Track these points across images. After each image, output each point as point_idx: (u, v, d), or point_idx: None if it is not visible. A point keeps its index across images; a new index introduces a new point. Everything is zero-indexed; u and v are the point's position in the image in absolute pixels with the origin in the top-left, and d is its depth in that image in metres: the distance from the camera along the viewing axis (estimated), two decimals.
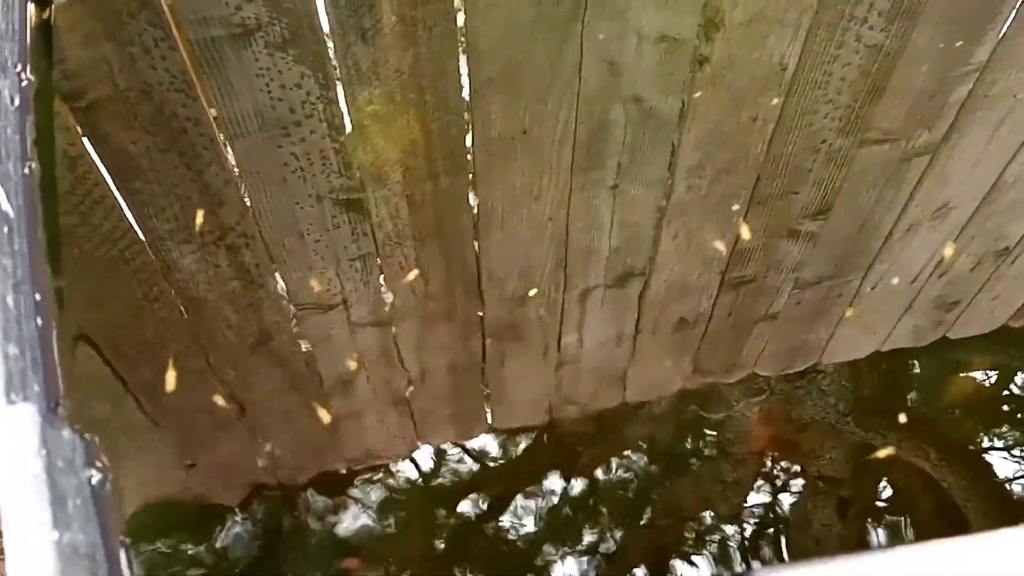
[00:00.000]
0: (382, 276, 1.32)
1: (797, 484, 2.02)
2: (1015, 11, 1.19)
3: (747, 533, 1.84)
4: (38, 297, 0.43)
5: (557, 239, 1.34)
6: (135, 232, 1.14)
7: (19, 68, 0.56)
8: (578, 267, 1.40)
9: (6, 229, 0.45)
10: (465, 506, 1.93)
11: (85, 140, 1.03)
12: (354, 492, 1.89)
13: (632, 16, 1.08)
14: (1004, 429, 2.04)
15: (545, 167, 1.23)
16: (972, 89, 1.26)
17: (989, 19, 1.19)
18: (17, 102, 0.53)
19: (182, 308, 1.25)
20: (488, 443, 1.95)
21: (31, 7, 0.70)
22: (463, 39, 1.06)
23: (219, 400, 1.43)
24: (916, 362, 2.03)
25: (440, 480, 1.93)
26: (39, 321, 0.43)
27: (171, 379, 1.34)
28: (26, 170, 0.49)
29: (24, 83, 0.57)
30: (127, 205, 1.11)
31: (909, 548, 0.49)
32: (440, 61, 1.07)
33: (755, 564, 0.53)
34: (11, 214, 0.45)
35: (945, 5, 1.14)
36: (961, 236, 1.49)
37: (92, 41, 0.94)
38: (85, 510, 0.37)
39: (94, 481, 0.39)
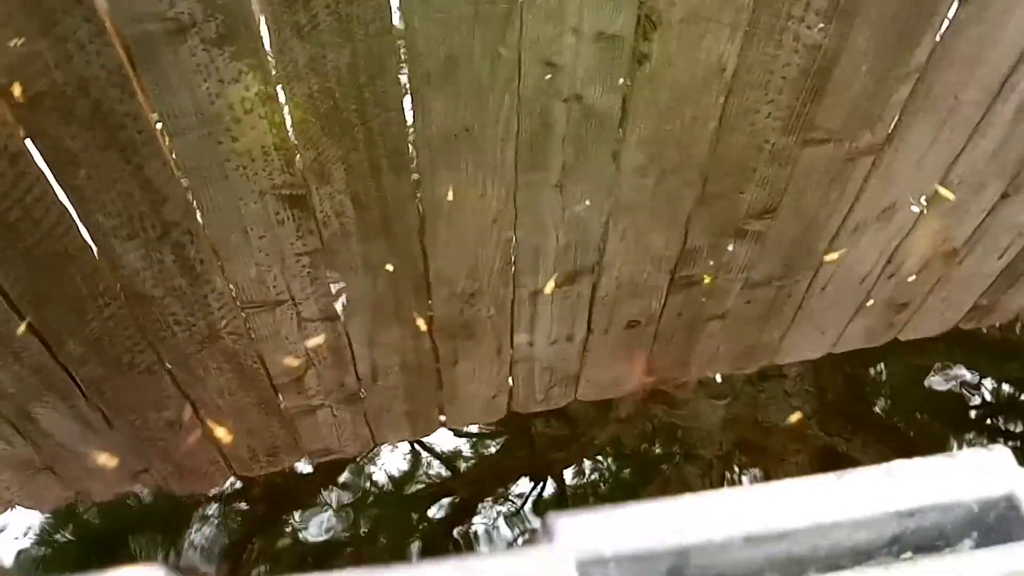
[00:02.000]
0: (329, 273, 1.33)
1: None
2: (952, 11, 1.21)
3: None
4: None
5: (504, 238, 1.36)
6: (77, 228, 1.15)
7: None
8: (527, 266, 1.42)
9: None
10: (435, 510, 1.95)
11: (24, 135, 1.05)
12: (321, 496, 1.90)
13: (569, 14, 1.10)
14: (971, 435, 2.07)
15: (489, 166, 1.25)
16: (913, 89, 1.29)
17: (927, 19, 1.22)
18: None
19: (128, 305, 1.26)
20: (458, 445, 1.97)
21: None
22: (401, 37, 1.09)
23: (170, 398, 1.44)
24: (880, 365, 2.06)
25: (410, 484, 1.95)
26: None
27: (120, 377, 1.35)
28: None
29: None
30: (69, 201, 1.13)
31: (701, 494, 0.52)
32: (378, 58, 1.09)
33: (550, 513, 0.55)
34: None
35: (882, 5, 1.17)
36: (908, 237, 1.51)
37: (27, 36, 0.96)
38: None
39: None
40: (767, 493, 0.54)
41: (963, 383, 2.09)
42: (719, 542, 0.54)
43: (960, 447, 2.10)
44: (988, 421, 2.12)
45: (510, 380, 1.67)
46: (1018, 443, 2.17)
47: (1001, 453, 0.59)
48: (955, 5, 1.21)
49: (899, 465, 0.58)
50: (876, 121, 1.32)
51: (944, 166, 1.40)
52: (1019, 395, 2.13)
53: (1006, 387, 2.12)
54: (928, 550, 0.57)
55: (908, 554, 0.58)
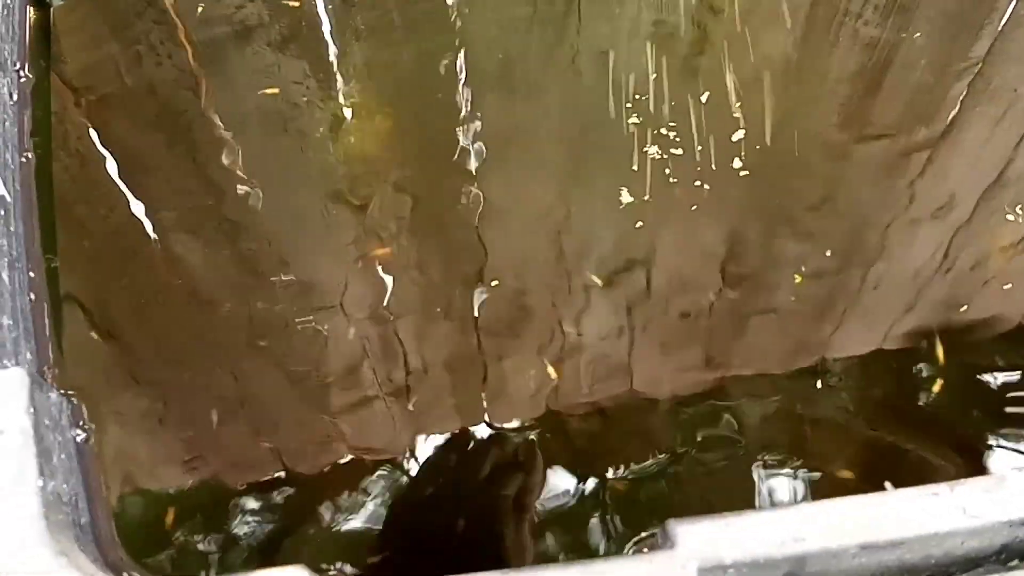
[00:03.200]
0: (382, 271, 1.36)
1: (810, 483, 2.04)
2: (1012, 5, 1.21)
3: None
4: (32, 274, 0.48)
5: (556, 233, 1.38)
6: (142, 225, 1.19)
7: (18, 67, 0.61)
8: (578, 261, 1.43)
9: (3, 212, 0.50)
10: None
11: (93, 134, 1.08)
12: (363, 485, 1.93)
13: (626, 10, 1.11)
14: (1020, 430, 2.06)
15: (544, 162, 1.27)
16: (971, 83, 1.29)
17: (986, 13, 1.21)
18: (16, 97, 0.58)
19: (187, 301, 1.30)
20: (494, 439, 1.98)
21: (30, 10, 0.75)
22: (458, 37, 1.11)
23: (222, 392, 1.48)
24: (931, 361, 2.05)
25: (433, 481, 1.97)
26: (32, 296, 0.47)
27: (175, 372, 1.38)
28: (23, 159, 0.54)
29: (23, 80, 0.61)
30: (134, 198, 1.16)
31: (815, 503, 0.54)
32: (437, 58, 1.11)
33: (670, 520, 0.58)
34: (8, 199, 0.50)
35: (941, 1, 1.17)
36: (962, 233, 1.51)
37: (99, 40, 0.99)
38: (69, 464, 0.41)
39: (79, 439, 0.44)
40: (883, 502, 0.56)
41: (1007, 377, 2.07)
42: (835, 550, 0.56)
43: (1009, 443, 2.09)
44: None
45: (556, 375, 1.69)
46: None
47: None
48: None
49: (1013, 474, 0.60)
50: (933, 116, 1.32)
51: (1003, 161, 1.40)
52: None
53: None
54: None
55: (1015, 562, 0.59)
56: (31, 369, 0.44)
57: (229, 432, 1.57)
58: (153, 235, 1.21)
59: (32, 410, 0.40)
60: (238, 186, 1.18)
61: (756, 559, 0.57)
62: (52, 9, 0.84)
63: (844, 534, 0.55)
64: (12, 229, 0.49)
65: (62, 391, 0.45)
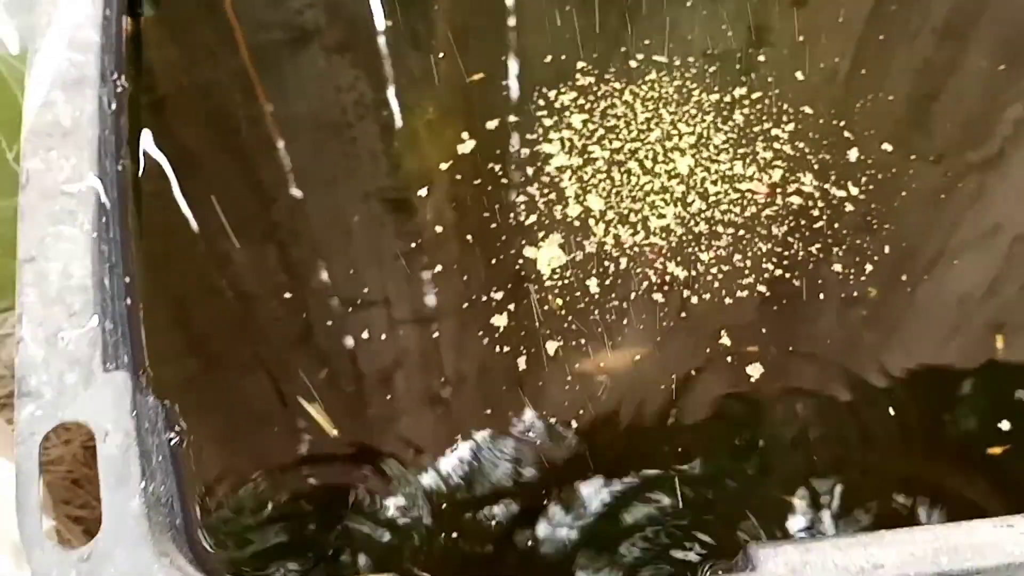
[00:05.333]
0: (425, 275, 1.38)
1: (843, 503, 2.04)
2: None
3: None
4: (127, 279, 0.50)
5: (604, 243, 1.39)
6: (191, 225, 1.21)
7: (116, 76, 0.63)
8: (624, 271, 1.45)
9: (104, 219, 0.52)
10: (499, 512, 1.98)
11: (148, 134, 1.11)
12: (386, 500, 1.95)
13: (680, 31, 1.13)
14: None
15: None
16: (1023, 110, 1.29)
17: None
18: (113, 106, 0.61)
19: (233, 302, 1.32)
20: (522, 448, 1.99)
21: (126, 20, 0.78)
22: (513, 47, 1.13)
23: (265, 393, 1.50)
24: (972, 384, 2.04)
25: (475, 486, 1.98)
26: (128, 300, 0.49)
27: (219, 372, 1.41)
28: (120, 166, 0.56)
29: (120, 90, 0.64)
30: (184, 199, 1.19)
31: (895, 531, 0.55)
32: (490, 68, 1.13)
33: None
34: (108, 205, 0.52)
35: (994, 27, 1.17)
36: (1010, 257, 1.51)
37: (159, 43, 1.02)
38: (166, 466, 0.43)
39: (172, 442, 0.45)
40: (960, 531, 0.57)
41: None
42: None
43: None
44: None
45: (593, 383, 1.70)
46: None
47: None
48: None
49: None
50: (985, 140, 1.32)
51: None
52: None
53: None
54: None
55: None
56: (131, 372, 0.46)
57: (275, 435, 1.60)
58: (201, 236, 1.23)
59: (135, 413, 0.42)
60: (287, 188, 1.21)
61: None
62: (143, 19, 0.87)
63: (921, 561, 0.57)
64: (111, 235, 0.51)
65: (156, 395, 0.47)
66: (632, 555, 1.85)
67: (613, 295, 1.62)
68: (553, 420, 1.88)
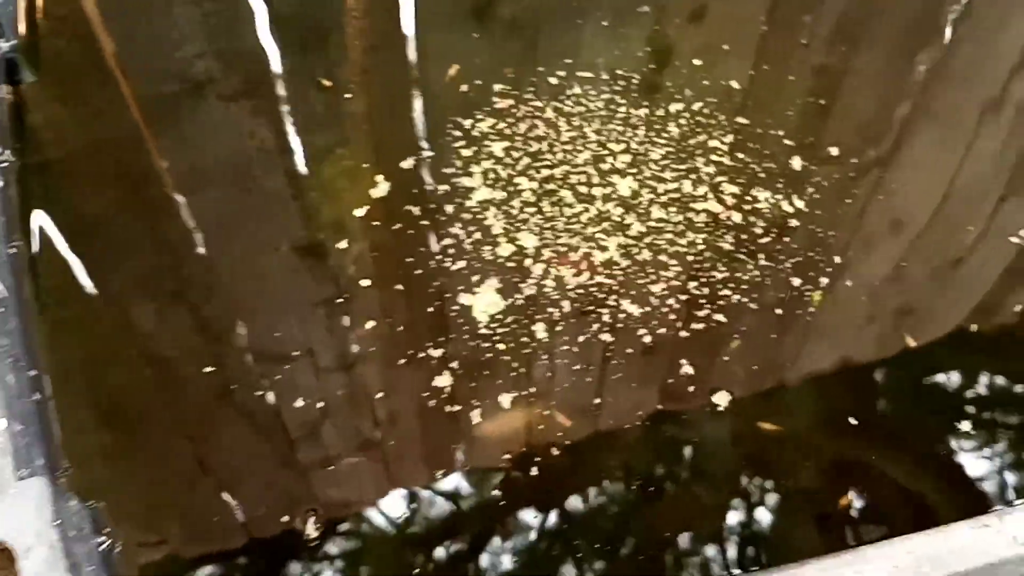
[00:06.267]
0: (346, 321, 1.35)
1: (773, 501, 2.07)
2: (948, 32, 1.26)
3: (728, 554, 1.88)
4: (33, 372, 0.46)
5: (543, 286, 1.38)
6: (96, 295, 1.16)
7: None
8: (544, 299, 1.44)
9: (2, 310, 0.48)
10: (440, 551, 1.94)
11: (40, 206, 1.06)
12: (325, 548, 1.89)
13: (583, 57, 1.13)
14: (971, 430, 2.11)
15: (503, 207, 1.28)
16: (915, 105, 1.34)
17: (926, 40, 1.26)
18: (0, 183, 0.57)
19: (144, 367, 1.27)
20: (460, 483, 1.97)
21: (4, 90, 0.73)
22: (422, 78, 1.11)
23: (182, 456, 1.44)
24: (886, 372, 2.10)
25: (414, 526, 1.94)
26: (37, 396, 0.46)
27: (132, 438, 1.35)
28: (12, 249, 0.52)
29: (5, 164, 0.60)
30: (81, 264, 1.13)
31: (876, 545, 0.55)
32: (395, 107, 1.11)
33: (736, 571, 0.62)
34: (4, 294, 0.48)
35: (884, 28, 1.21)
36: (915, 247, 1.56)
37: (44, 108, 0.97)
38: (98, 574, 0.40)
39: (102, 548, 0.42)
40: (939, 538, 0.58)
41: (963, 381, 2.13)
42: None
43: (962, 442, 2.14)
44: (986, 415, 2.17)
45: (527, 414, 1.69)
46: (1012, 434, 2.22)
47: None
48: (949, 28, 1.26)
49: None
50: (881, 138, 1.36)
51: (947, 177, 1.45)
52: (1013, 387, 2.18)
53: (1000, 380, 2.18)
54: None
55: None
56: (48, 476, 0.42)
57: (194, 501, 1.53)
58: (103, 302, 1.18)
59: (59, 522, 0.39)
60: (194, 244, 1.17)
61: None
62: (23, 87, 0.82)
63: (904, 572, 0.58)
64: (10, 327, 0.47)
65: (79, 498, 0.43)
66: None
67: (563, 339, 1.61)
68: (504, 466, 1.86)
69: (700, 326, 1.64)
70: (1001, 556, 0.61)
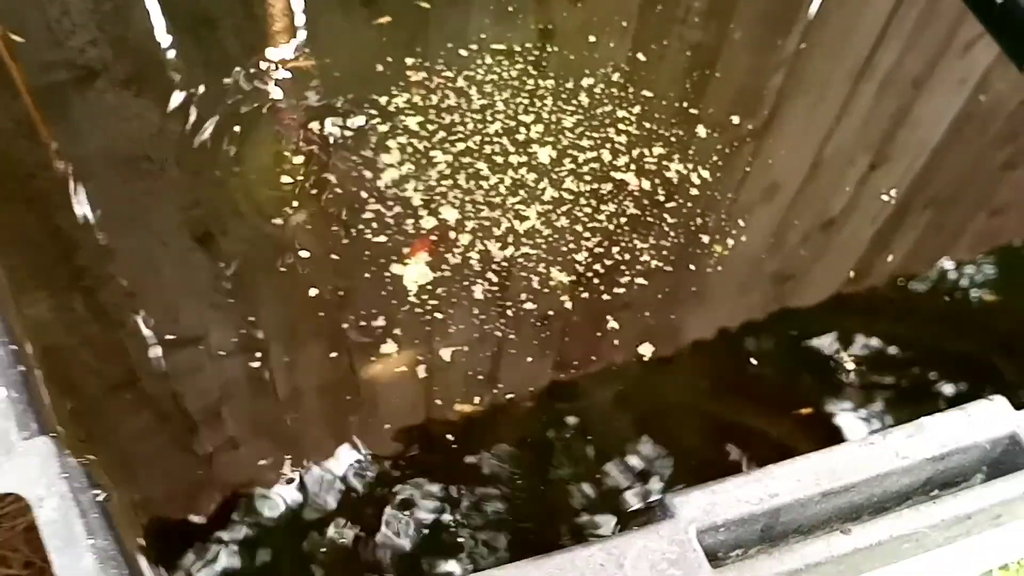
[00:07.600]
0: (244, 302, 1.37)
1: (664, 465, 2.18)
2: (816, 3, 1.38)
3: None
4: (15, 347, 0.50)
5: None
6: None
7: None
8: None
9: None
10: (334, 530, 1.97)
11: None
12: (220, 534, 1.90)
13: (470, 31, 1.19)
14: (849, 393, 2.28)
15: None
16: (786, 76, 1.45)
17: (793, 12, 1.37)
18: None
19: (39, 359, 1.26)
20: (358, 461, 2.00)
21: None
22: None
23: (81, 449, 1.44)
24: (765, 336, 2.24)
25: (309, 508, 1.97)
26: (21, 368, 0.49)
27: None
28: None
29: None
30: None
31: (779, 465, 0.66)
32: (311, 78, 1.14)
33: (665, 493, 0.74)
34: None
35: (754, 4, 1.32)
36: (790, 212, 1.68)
37: None
38: (102, 522, 0.44)
39: (100, 499, 0.46)
40: (833, 456, 0.70)
41: (840, 343, 2.29)
42: (802, 499, 0.74)
43: (841, 403, 2.30)
44: (863, 377, 2.34)
45: (426, 392, 1.74)
46: (888, 393, 2.41)
47: (1001, 402, 0.82)
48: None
49: (928, 420, 0.81)
50: (755, 108, 1.47)
51: (818, 145, 1.58)
52: (886, 349, 2.37)
53: (876, 342, 2.35)
54: (950, 486, 0.74)
55: (936, 491, 0.74)
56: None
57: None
58: None
59: (67, 474, 0.42)
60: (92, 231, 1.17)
61: (741, 516, 0.74)
62: None
63: (808, 486, 0.70)
64: None
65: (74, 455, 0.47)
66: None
67: (495, 305, 1.65)
68: (388, 435, 1.90)
69: (585, 295, 1.73)
70: (887, 468, 0.75)
